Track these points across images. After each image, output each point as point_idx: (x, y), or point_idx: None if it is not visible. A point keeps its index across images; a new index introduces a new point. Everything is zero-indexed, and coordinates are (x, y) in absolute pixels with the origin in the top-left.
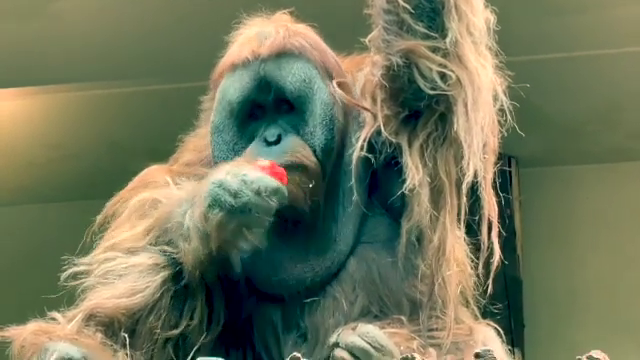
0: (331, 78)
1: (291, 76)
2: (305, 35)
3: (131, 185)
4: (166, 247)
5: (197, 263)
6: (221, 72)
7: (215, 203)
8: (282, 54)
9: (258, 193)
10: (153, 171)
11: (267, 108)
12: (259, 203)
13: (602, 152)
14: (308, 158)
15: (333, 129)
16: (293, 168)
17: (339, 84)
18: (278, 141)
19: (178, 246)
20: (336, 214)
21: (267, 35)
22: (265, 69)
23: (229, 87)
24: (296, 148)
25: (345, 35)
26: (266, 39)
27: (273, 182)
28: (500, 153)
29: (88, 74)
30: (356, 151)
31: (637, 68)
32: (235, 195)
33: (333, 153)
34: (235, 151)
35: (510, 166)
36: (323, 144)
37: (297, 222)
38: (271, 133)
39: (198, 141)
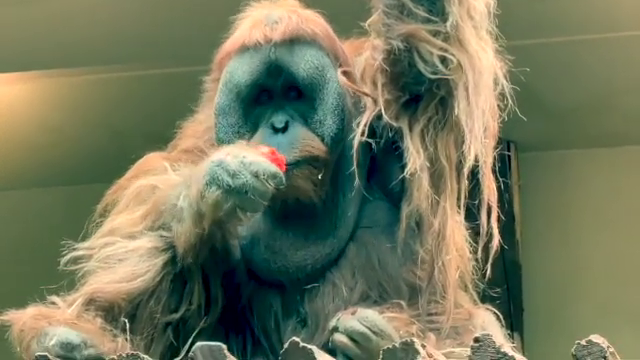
0: (340, 66)
1: (304, 63)
2: (316, 22)
3: (130, 173)
4: (162, 231)
5: (189, 245)
6: (228, 53)
7: (213, 181)
8: (295, 40)
9: (256, 175)
10: (151, 158)
11: (275, 93)
12: (256, 186)
13: (602, 136)
14: (318, 148)
15: (344, 119)
16: (304, 162)
17: (344, 72)
18: (285, 128)
19: (172, 229)
20: (337, 200)
21: (277, 19)
22: (277, 54)
23: (237, 69)
24: (306, 140)
25: (344, 19)
26: (276, 23)
27: (272, 167)
28: (499, 137)
29: (88, 58)
30: (357, 136)
31: (637, 52)
32: (233, 175)
33: (342, 143)
34: (239, 134)
35: (509, 150)
36: (334, 133)
37: (298, 209)
38: (279, 119)
39: (196, 127)
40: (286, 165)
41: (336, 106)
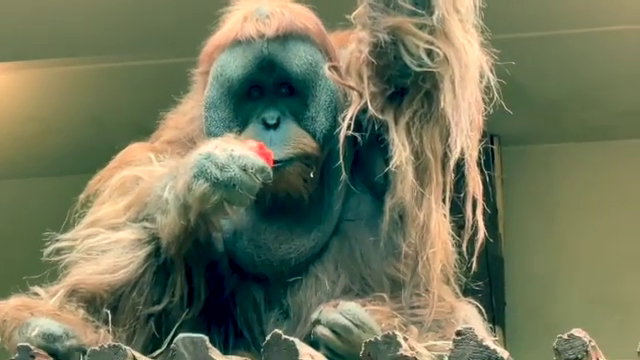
0: (330, 61)
1: (297, 59)
2: (308, 17)
3: (112, 164)
4: (146, 223)
5: (173, 237)
6: (218, 46)
7: (201, 174)
8: (288, 35)
9: (244, 169)
10: (134, 149)
11: (266, 89)
12: (244, 179)
13: (585, 131)
14: (310, 146)
15: (336, 116)
16: (296, 159)
17: (332, 67)
18: (277, 124)
19: (155, 220)
20: (323, 194)
21: (268, 13)
22: (270, 49)
23: (229, 63)
24: (298, 138)
25: (329, 11)
26: (268, 18)
27: (260, 161)
28: (483, 131)
29: (72, 49)
30: (343, 130)
31: (621, 47)
32: (222, 168)
33: (333, 139)
34: (230, 128)
35: (493, 144)
36: (326, 130)
37: (284, 203)
38: (270, 115)
39: (179, 118)
40: (278, 162)
41: (329, 103)
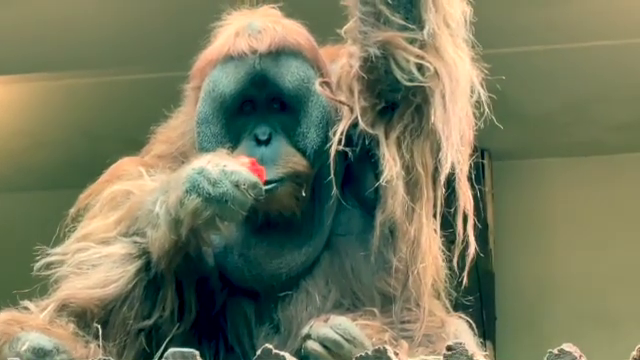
0: (321, 76)
1: (290, 75)
2: (300, 33)
3: (103, 178)
4: (136, 237)
5: (163, 252)
6: (210, 61)
7: (193, 189)
8: (280, 51)
9: (237, 185)
10: (125, 163)
11: (258, 104)
12: (236, 195)
13: (575, 145)
14: (300, 164)
15: (327, 131)
16: (287, 179)
17: (324, 83)
18: (269, 140)
19: (146, 234)
20: (314, 209)
21: (260, 29)
22: (262, 65)
23: (221, 78)
24: (288, 157)
25: (321, 25)
26: (260, 33)
27: (252, 177)
28: (473, 145)
29: (62, 63)
30: (333, 145)
31: (611, 61)
32: (214, 184)
33: (324, 156)
34: (222, 143)
35: (483, 158)
36: (317, 147)
37: (276, 220)
38: (262, 131)
39: (170, 133)
40: (269, 182)
41: (320, 119)
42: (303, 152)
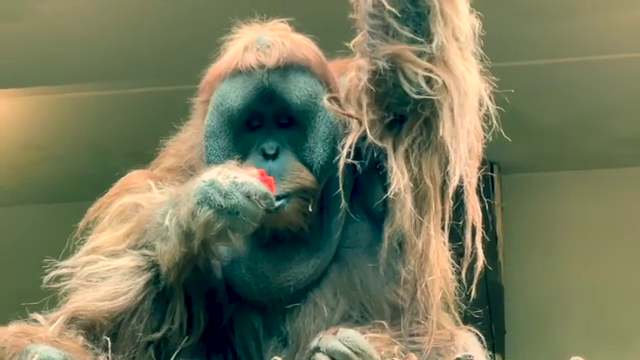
0: (330, 92)
1: (298, 90)
2: (308, 48)
3: (112, 191)
4: (145, 250)
5: (173, 264)
6: (219, 76)
7: (204, 201)
8: (289, 66)
9: (248, 196)
10: (134, 176)
11: (266, 119)
12: (248, 207)
13: (584, 159)
14: (307, 179)
15: (334, 147)
16: (294, 194)
17: (332, 98)
18: (276, 155)
19: (155, 247)
20: (322, 222)
21: (269, 43)
22: (270, 80)
23: (230, 93)
24: (295, 172)
25: (329, 39)
26: (269, 48)
27: (263, 187)
28: (482, 159)
29: (71, 76)
30: (342, 158)
31: (621, 74)
32: (225, 196)
33: (331, 171)
34: (229, 157)
35: (492, 172)
36: (323, 162)
37: (284, 235)
38: (269, 145)
39: (179, 146)
40: (276, 198)
41: (327, 134)
42: (310, 167)
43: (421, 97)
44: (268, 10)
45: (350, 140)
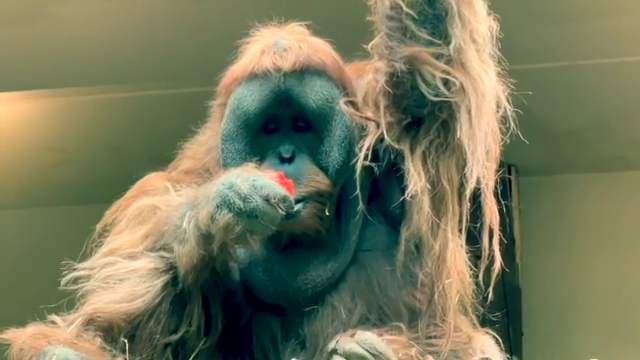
0: (346, 95)
1: (314, 94)
2: (325, 52)
3: (130, 193)
4: (163, 252)
5: (191, 267)
6: (236, 79)
7: (224, 204)
8: (305, 70)
9: (267, 200)
10: (152, 179)
11: (282, 122)
12: (267, 210)
13: (602, 161)
14: (323, 183)
15: (350, 151)
16: (310, 198)
17: (349, 102)
18: (292, 158)
19: (173, 249)
20: (340, 225)
21: (287, 47)
22: (287, 84)
23: (246, 96)
24: (310, 176)
25: (347, 41)
26: (286, 51)
27: (282, 190)
28: (500, 161)
29: (90, 78)
30: (359, 161)
31: (638, 77)
32: (245, 199)
33: (347, 174)
34: (246, 160)
35: (510, 174)
36: (339, 166)
37: (302, 239)
38: (285, 149)
39: (197, 148)
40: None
41: (343, 138)
42: (325, 170)
43: (439, 99)
44: (286, 13)
45: (368, 142)
